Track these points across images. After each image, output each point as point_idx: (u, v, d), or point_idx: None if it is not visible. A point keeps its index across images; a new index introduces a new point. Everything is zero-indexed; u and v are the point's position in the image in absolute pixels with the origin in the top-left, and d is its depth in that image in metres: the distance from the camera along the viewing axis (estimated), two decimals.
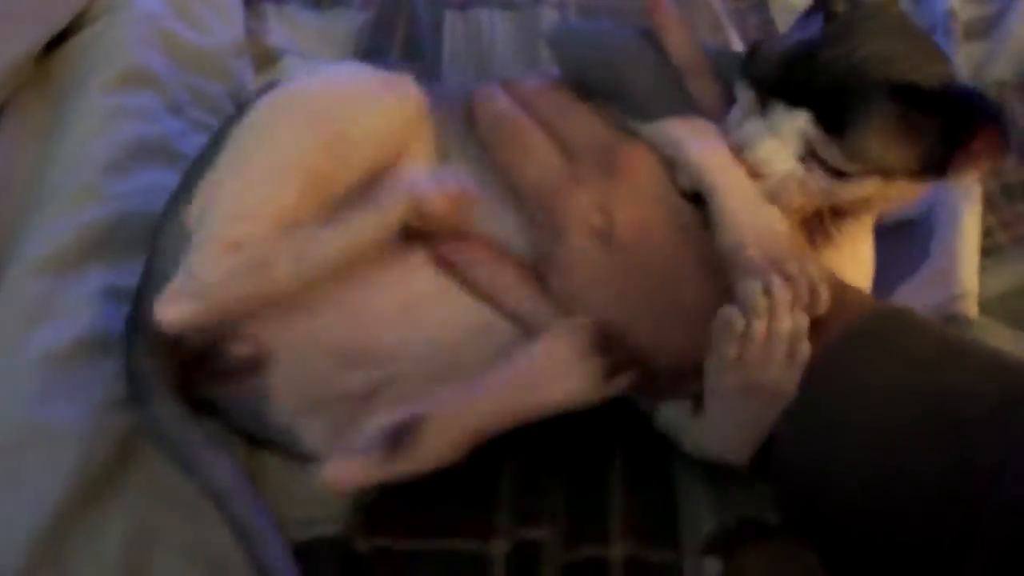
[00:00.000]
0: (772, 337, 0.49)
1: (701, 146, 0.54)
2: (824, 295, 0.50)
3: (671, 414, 0.56)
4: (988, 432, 0.45)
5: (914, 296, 0.68)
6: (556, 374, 0.53)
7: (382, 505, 0.57)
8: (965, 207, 0.72)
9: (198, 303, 0.51)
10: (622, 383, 0.54)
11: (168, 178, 0.68)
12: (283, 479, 0.58)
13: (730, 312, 0.49)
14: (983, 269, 0.73)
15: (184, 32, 0.82)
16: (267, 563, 0.52)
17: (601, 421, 0.61)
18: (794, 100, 0.52)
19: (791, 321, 0.49)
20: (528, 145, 0.58)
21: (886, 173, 0.52)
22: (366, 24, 0.95)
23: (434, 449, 0.50)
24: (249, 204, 0.53)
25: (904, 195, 0.57)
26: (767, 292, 0.49)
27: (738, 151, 0.54)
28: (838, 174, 0.53)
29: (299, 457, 0.56)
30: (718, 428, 0.53)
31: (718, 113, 0.57)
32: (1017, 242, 0.76)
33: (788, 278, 0.49)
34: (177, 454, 0.55)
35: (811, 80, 0.52)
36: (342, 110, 0.57)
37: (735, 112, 0.56)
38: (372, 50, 0.92)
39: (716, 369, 0.51)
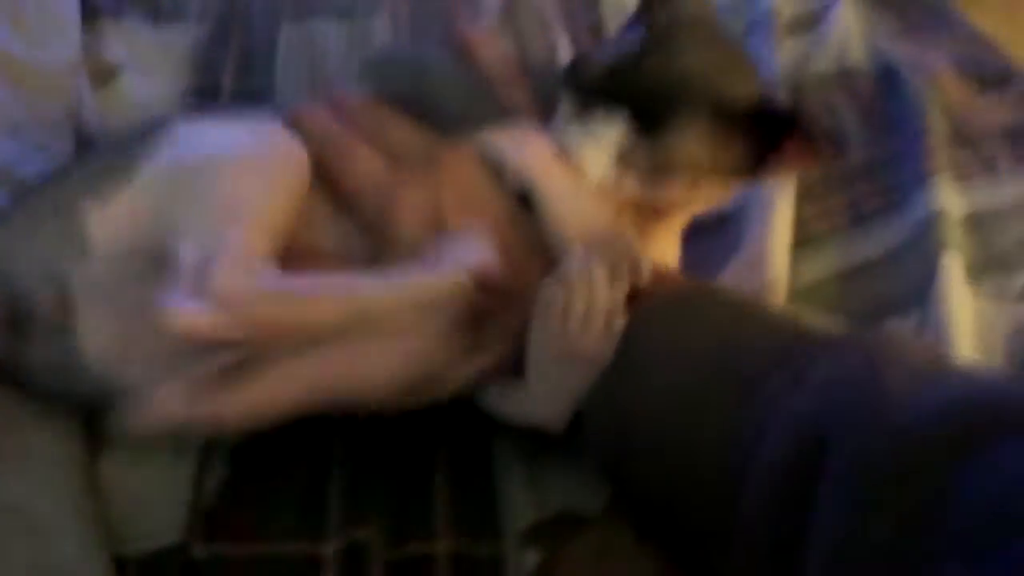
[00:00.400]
0: (590, 311, 0.53)
1: (522, 151, 0.57)
2: (646, 268, 0.54)
3: (496, 389, 0.59)
4: (762, 386, 0.47)
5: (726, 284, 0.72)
6: None
7: (219, 512, 0.59)
8: (777, 200, 0.76)
9: (216, 318, 0.51)
10: None
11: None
12: (125, 493, 0.59)
13: (553, 288, 0.53)
14: (799, 258, 0.77)
15: (21, 51, 0.82)
16: None
17: (425, 425, 0.64)
18: (614, 107, 0.56)
19: (608, 296, 0.53)
20: (354, 155, 0.60)
21: (699, 175, 0.57)
22: (202, 38, 0.95)
23: None
24: (251, 233, 0.55)
25: (716, 196, 0.61)
26: (586, 271, 0.53)
27: (560, 154, 0.57)
28: (652, 177, 0.56)
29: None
30: (538, 397, 0.56)
31: (536, 120, 0.60)
32: (833, 232, 0.80)
33: (608, 259, 0.53)
34: None
35: (631, 88, 0.56)
36: (284, 168, 0.59)
37: (557, 119, 0.59)
38: (207, 65, 0.92)
39: (538, 340, 0.54)
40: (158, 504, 0.59)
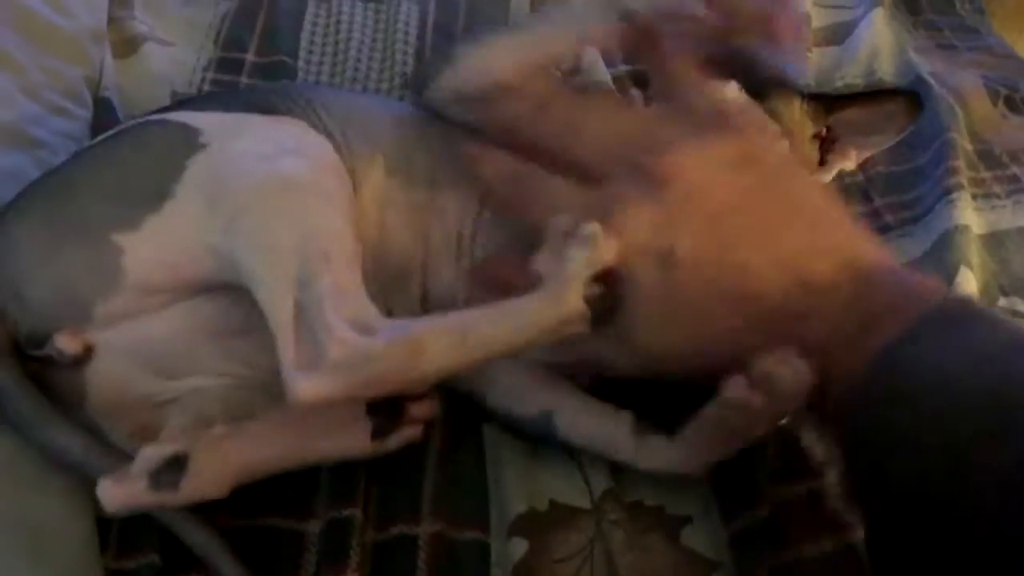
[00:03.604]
0: (767, 411, 0.52)
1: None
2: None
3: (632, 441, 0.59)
4: None
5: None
6: (328, 427, 0.57)
7: None
8: None
9: (338, 384, 0.48)
10: (394, 444, 0.58)
11: (22, 162, 0.68)
12: None
13: (742, 390, 0.51)
14: None
15: (45, 13, 0.82)
16: None
17: None
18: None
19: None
20: (548, 190, 0.57)
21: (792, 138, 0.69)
22: (228, 13, 0.96)
23: (196, 484, 0.52)
24: (342, 274, 0.51)
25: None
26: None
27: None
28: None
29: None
30: (686, 449, 0.57)
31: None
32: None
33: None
34: (20, 419, 0.53)
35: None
36: (338, 181, 0.56)
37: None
38: (231, 40, 0.93)
39: (711, 418, 0.54)
40: None
